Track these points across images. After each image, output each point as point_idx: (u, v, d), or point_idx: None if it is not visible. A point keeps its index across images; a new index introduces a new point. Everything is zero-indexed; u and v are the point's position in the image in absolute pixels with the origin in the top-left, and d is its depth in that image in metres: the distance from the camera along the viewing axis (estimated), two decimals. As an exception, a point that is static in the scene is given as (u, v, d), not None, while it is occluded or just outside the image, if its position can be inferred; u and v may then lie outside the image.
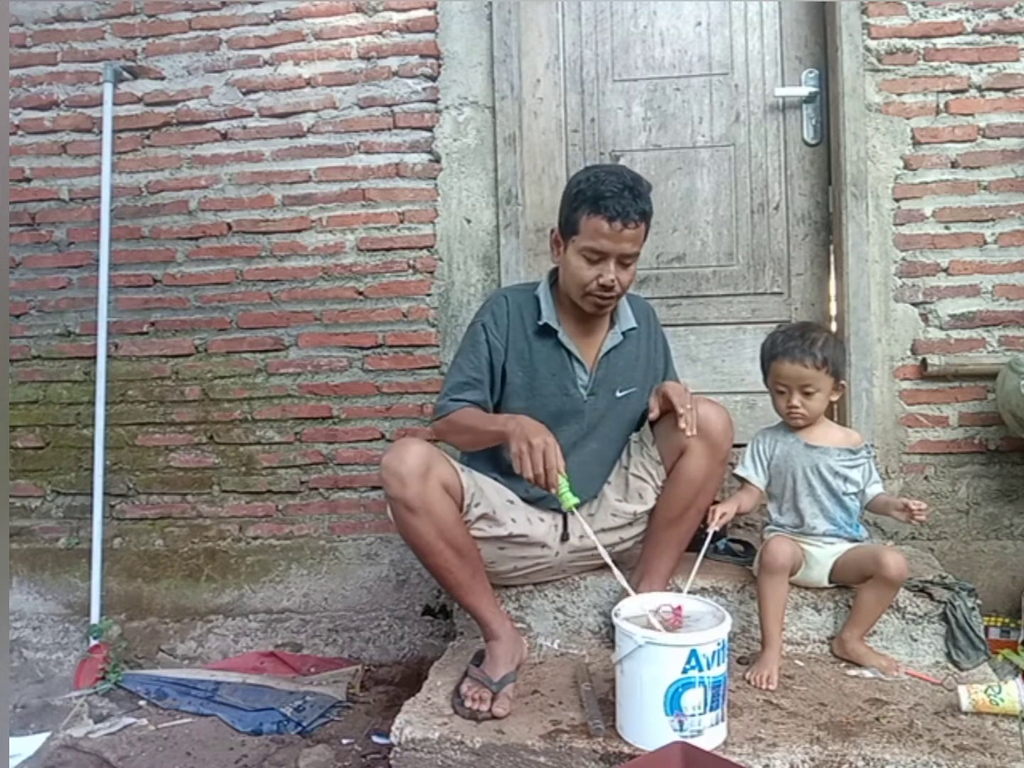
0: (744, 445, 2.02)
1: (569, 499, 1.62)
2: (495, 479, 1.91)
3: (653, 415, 1.85)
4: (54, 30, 2.74)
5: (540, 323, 1.88)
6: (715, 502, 1.94)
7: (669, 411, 1.83)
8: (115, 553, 2.72)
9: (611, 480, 1.99)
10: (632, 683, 1.53)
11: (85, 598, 2.62)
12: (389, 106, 2.62)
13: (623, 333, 1.94)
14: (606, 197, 1.73)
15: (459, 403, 1.86)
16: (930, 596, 1.89)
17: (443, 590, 1.89)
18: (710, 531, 1.79)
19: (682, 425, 1.74)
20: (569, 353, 1.90)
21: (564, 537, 1.96)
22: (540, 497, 1.92)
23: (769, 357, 1.91)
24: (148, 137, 2.72)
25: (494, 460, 1.94)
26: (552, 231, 1.89)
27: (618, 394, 1.94)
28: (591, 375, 1.92)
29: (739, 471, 1.97)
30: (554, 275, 1.95)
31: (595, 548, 1.96)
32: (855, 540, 1.91)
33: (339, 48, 2.63)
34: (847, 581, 1.89)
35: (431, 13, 2.59)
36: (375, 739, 1.99)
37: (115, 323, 2.72)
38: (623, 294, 1.88)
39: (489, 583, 1.85)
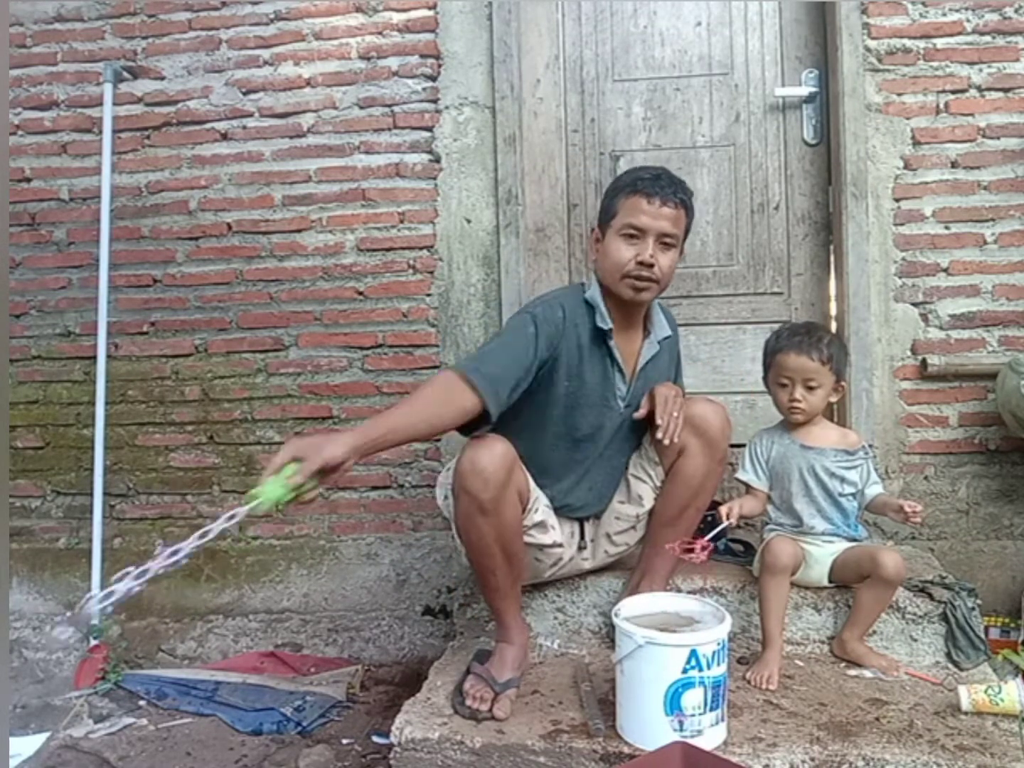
0: (744, 445, 2.02)
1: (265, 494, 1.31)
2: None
3: (639, 414, 1.82)
4: (54, 30, 2.74)
5: (595, 326, 1.81)
6: (716, 503, 1.93)
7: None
8: (115, 553, 2.71)
9: None
10: (632, 683, 1.53)
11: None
12: (389, 106, 2.61)
13: (659, 343, 1.90)
14: (644, 179, 1.77)
15: (482, 379, 1.62)
16: (930, 596, 1.89)
17: (480, 587, 1.85)
18: (725, 524, 1.77)
19: (659, 436, 1.75)
20: (613, 361, 1.84)
21: (581, 546, 1.96)
22: (561, 506, 1.90)
23: (774, 351, 1.91)
24: (148, 137, 2.72)
25: (533, 462, 1.83)
26: (592, 230, 1.89)
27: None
28: (629, 386, 1.87)
29: (740, 475, 1.97)
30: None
31: (604, 555, 1.98)
32: (854, 539, 1.91)
33: (339, 48, 2.63)
34: (846, 580, 1.89)
35: (431, 13, 2.59)
36: (375, 739, 1.99)
37: (115, 323, 2.72)
38: (662, 284, 1.80)
39: (520, 590, 1.83)
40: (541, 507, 1.82)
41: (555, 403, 1.81)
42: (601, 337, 1.82)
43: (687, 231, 1.83)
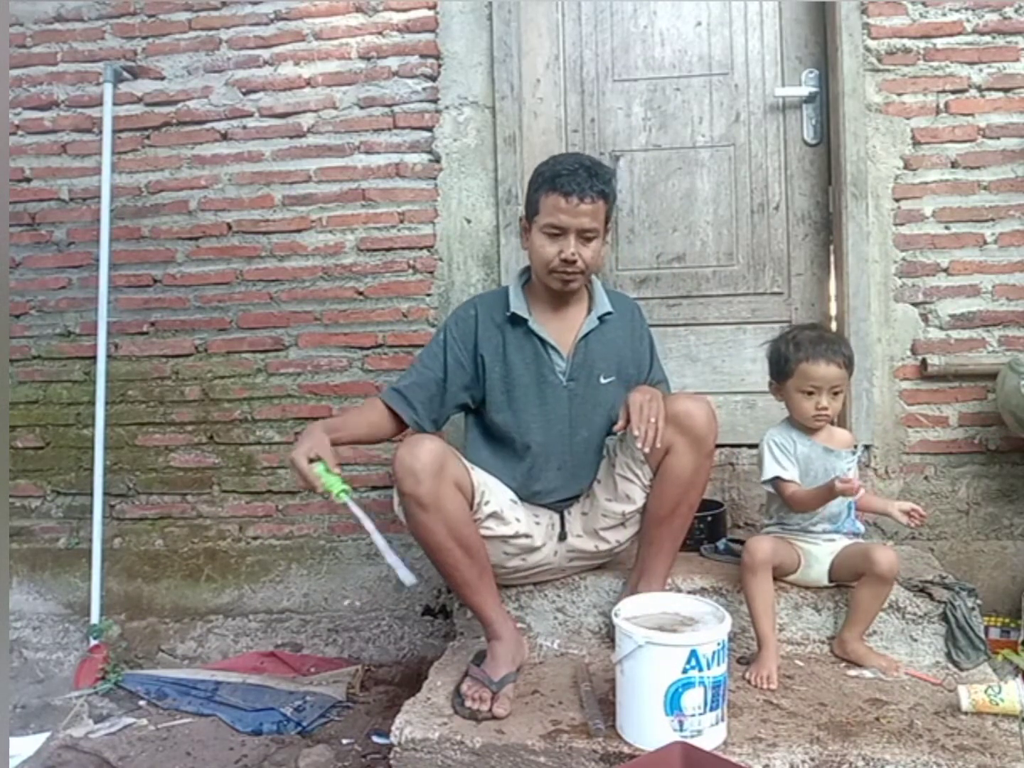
0: (742, 445, 2.02)
1: (336, 486, 1.66)
2: (497, 477, 1.92)
3: (617, 427, 1.80)
4: (54, 30, 2.74)
5: (508, 313, 1.91)
6: (715, 502, 1.93)
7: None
8: (115, 553, 2.72)
9: (600, 479, 1.99)
10: (632, 683, 1.53)
11: (85, 598, 2.62)
12: (389, 106, 2.61)
13: (599, 318, 1.95)
14: (562, 175, 1.80)
15: (393, 393, 1.95)
16: (930, 596, 1.89)
17: (449, 588, 1.90)
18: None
19: (639, 445, 1.73)
20: (542, 340, 1.91)
21: (562, 536, 1.96)
22: (531, 494, 1.92)
23: (796, 360, 1.85)
24: (148, 137, 2.72)
25: (493, 458, 1.94)
26: (520, 219, 1.95)
27: (602, 380, 1.94)
28: (568, 360, 1.92)
29: (781, 474, 1.87)
30: (527, 271, 1.99)
31: (594, 549, 1.98)
32: (855, 535, 1.92)
33: (339, 48, 2.63)
34: (843, 579, 1.89)
35: (431, 13, 2.59)
36: (375, 739, 1.99)
37: (115, 323, 2.72)
38: (588, 271, 1.89)
39: (495, 583, 1.85)
40: (493, 499, 1.84)
41: (495, 389, 1.91)
42: (520, 320, 1.91)
43: (609, 215, 1.89)
